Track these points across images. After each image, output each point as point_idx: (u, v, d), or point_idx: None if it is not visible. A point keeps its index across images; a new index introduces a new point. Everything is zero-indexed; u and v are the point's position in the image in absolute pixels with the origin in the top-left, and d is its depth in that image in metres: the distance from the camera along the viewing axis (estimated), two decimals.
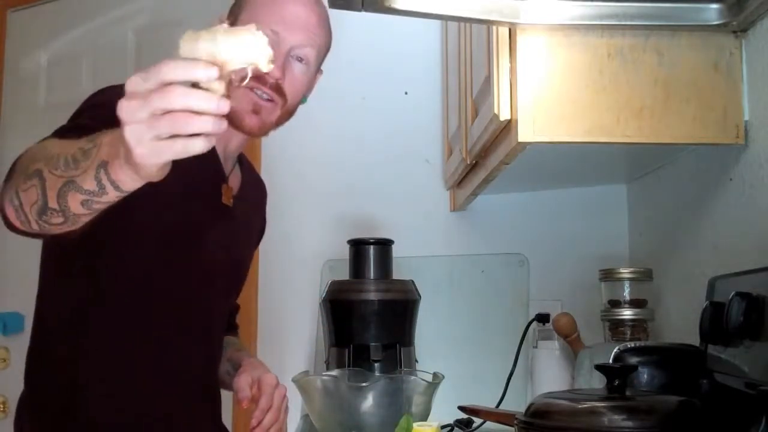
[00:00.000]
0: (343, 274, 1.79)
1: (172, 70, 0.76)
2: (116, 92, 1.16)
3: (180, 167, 1.24)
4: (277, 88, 1.27)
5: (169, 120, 0.76)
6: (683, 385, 1.14)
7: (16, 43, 2.81)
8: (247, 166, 1.51)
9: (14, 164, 1.02)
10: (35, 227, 0.99)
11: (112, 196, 0.90)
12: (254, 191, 1.53)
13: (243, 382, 1.37)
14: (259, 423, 1.37)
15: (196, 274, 1.33)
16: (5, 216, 1.01)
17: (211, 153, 1.34)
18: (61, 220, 0.96)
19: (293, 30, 1.29)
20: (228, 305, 1.50)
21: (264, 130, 1.31)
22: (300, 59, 1.30)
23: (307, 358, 2.13)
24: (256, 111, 1.27)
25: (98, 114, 1.10)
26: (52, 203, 0.94)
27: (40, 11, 2.79)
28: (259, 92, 1.26)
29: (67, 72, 2.66)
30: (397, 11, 1.20)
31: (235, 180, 1.42)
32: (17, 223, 1.00)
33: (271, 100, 1.28)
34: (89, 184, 0.89)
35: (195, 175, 1.30)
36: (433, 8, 1.22)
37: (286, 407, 1.41)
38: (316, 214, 2.19)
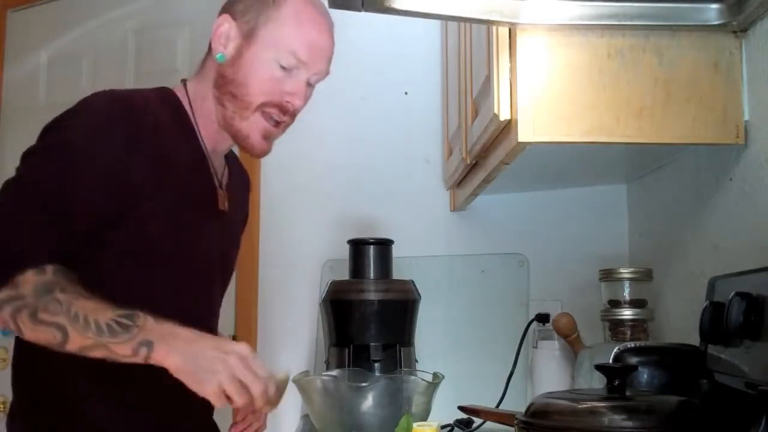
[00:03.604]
0: (343, 274, 1.79)
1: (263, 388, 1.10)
2: (74, 125, 1.19)
3: (175, 176, 1.24)
4: (293, 115, 1.32)
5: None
6: (683, 385, 1.14)
7: (16, 43, 2.80)
8: (233, 160, 1.49)
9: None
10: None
11: (129, 361, 1.10)
12: (239, 183, 1.51)
13: None
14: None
15: (194, 280, 1.31)
16: None
17: (204, 163, 1.33)
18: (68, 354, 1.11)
19: (318, 60, 1.30)
20: (220, 301, 1.48)
21: (267, 153, 1.35)
22: (310, 84, 1.33)
23: (307, 358, 2.13)
24: (266, 137, 1.31)
25: (51, 164, 1.16)
26: (72, 348, 1.10)
27: (40, 11, 2.79)
28: (273, 117, 1.29)
29: (67, 72, 2.66)
30: (397, 11, 1.20)
31: (225, 179, 1.41)
32: None
33: (277, 124, 1.31)
34: (124, 351, 1.08)
35: (191, 183, 1.29)
36: (433, 8, 1.22)
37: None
38: (316, 214, 2.19)
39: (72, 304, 1.09)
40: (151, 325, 1.09)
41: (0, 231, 1.13)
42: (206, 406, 1.43)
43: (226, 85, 1.29)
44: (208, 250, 1.34)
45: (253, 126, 1.29)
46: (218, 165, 1.38)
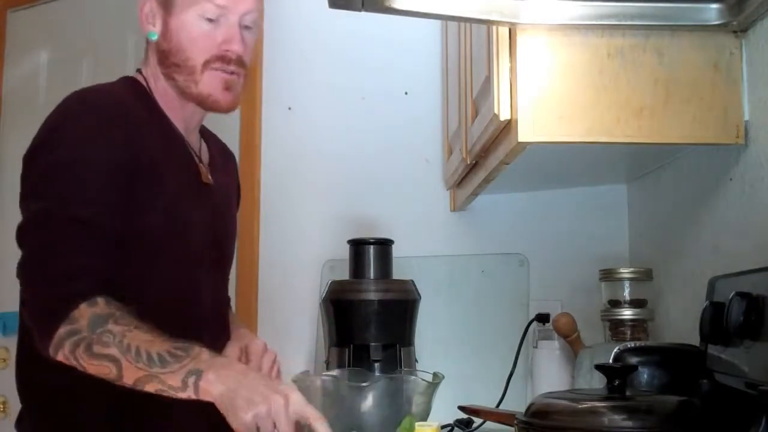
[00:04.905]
0: (343, 274, 1.79)
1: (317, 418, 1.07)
2: (66, 141, 1.21)
3: (159, 159, 1.24)
4: (240, 62, 1.31)
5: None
6: (683, 385, 1.14)
7: (16, 43, 2.81)
8: (210, 136, 1.50)
9: (55, 320, 1.10)
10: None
11: (182, 396, 1.06)
12: (223, 158, 1.51)
13: (231, 352, 1.34)
14: None
15: (188, 259, 1.31)
16: (50, 354, 1.12)
17: (180, 141, 1.34)
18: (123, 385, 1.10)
19: None
20: (225, 280, 1.47)
21: (235, 105, 1.34)
22: (248, 27, 1.32)
23: (307, 358, 2.13)
24: (227, 88, 1.30)
25: (57, 187, 1.16)
26: (127, 382, 1.09)
27: (40, 11, 2.79)
28: (222, 70, 1.29)
29: (67, 72, 2.66)
30: (397, 11, 1.20)
31: (204, 155, 1.42)
32: (62, 361, 1.12)
33: (235, 73, 1.30)
34: (173, 382, 1.06)
35: (172, 163, 1.29)
36: (433, 8, 1.22)
37: (278, 372, 1.38)
38: (316, 214, 2.19)
39: (125, 335, 1.08)
40: (205, 357, 1.08)
41: (50, 267, 1.13)
42: None
43: (167, 59, 1.30)
44: (201, 229, 1.33)
45: (209, 84, 1.29)
46: (194, 141, 1.39)
